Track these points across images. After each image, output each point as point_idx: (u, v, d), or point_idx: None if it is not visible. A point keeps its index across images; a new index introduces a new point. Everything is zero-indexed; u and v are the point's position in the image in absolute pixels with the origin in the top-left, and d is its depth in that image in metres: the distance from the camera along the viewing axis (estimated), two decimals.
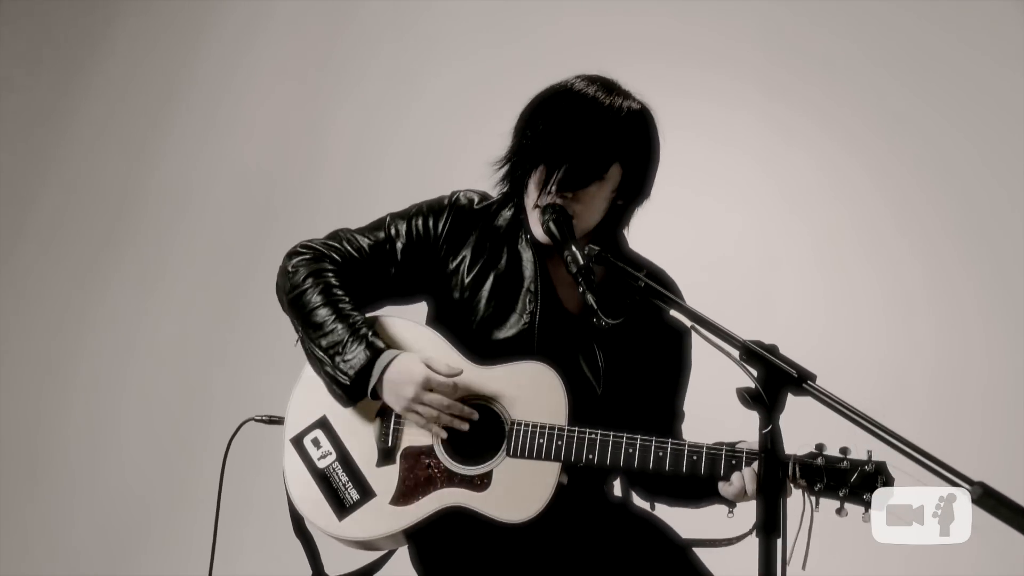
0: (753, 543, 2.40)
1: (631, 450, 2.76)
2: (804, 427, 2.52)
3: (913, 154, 4.89)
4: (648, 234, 3.03)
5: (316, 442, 2.90)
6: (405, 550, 2.96)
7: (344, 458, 2.87)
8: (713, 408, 3.23)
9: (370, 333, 2.82)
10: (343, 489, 2.86)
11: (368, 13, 5.34)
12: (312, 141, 5.29)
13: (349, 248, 2.95)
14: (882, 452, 2.39)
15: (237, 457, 3.14)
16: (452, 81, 5.22)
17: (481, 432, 2.84)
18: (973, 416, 4.67)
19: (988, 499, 1.97)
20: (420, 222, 2.96)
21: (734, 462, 2.74)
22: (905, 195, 4.89)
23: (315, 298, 2.86)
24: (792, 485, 2.65)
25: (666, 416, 3.01)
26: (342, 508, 2.85)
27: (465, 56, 5.22)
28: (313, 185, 5.25)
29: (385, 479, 2.85)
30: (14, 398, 5.23)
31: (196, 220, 5.29)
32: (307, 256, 2.93)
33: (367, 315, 2.92)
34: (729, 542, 2.83)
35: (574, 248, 2.73)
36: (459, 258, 2.95)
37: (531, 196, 2.86)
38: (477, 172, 3.05)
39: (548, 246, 2.86)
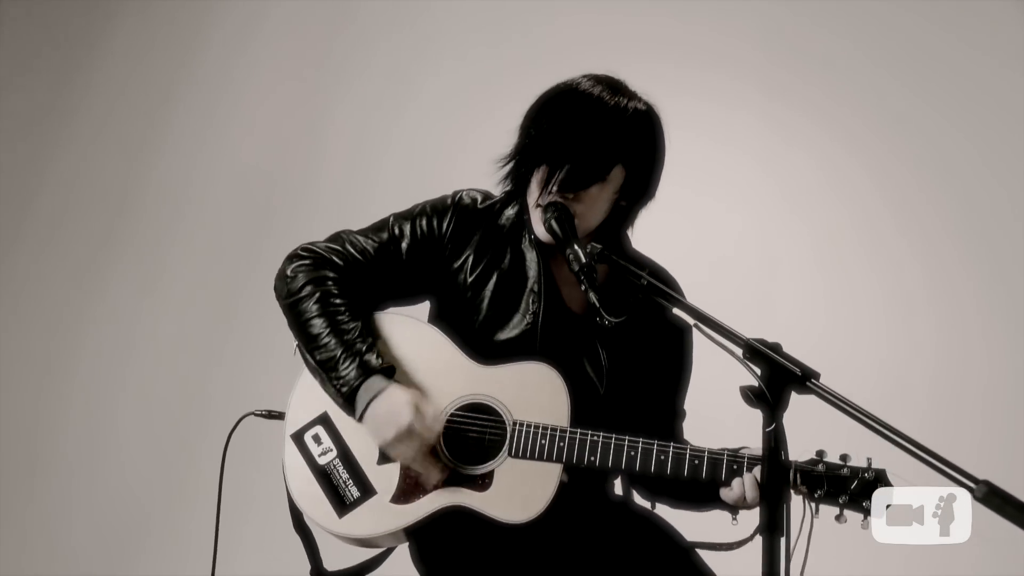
0: (756, 544, 2.40)
1: (632, 453, 2.76)
2: (803, 428, 2.52)
3: (913, 154, 4.89)
4: (648, 234, 3.02)
5: (317, 438, 2.89)
6: (405, 547, 2.95)
7: (345, 455, 2.86)
8: (715, 407, 3.23)
9: (364, 349, 2.80)
10: (343, 486, 2.85)
11: (367, 12, 5.34)
12: (311, 140, 5.29)
13: (352, 250, 2.93)
14: (886, 451, 2.38)
15: (236, 452, 3.13)
16: (451, 80, 5.22)
17: (483, 432, 2.83)
18: (973, 416, 4.67)
19: (993, 498, 1.97)
20: (424, 222, 2.94)
21: (735, 467, 2.74)
22: (905, 195, 4.89)
23: (312, 308, 2.85)
24: (792, 491, 2.65)
25: (667, 415, 3.01)
26: (342, 505, 2.84)
27: (464, 55, 5.23)
28: (312, 184, 5.25)
29: (386, 477, 2.84)
30: (13, 397, 5.23)
31: (195, 219, 5.30)
32: (307, 262, 2.91)
33: (373, 311, 2.92)
34: (730, 546, 2.82)
35: (576, 246, 2.73)
36: (462, 258, 2.93)
37: (533, 195, 2.85)
38: (476, 171, 3.04)
39: (552, 245, 2.85)
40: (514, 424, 2.80)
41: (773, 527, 2.30)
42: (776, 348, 2.35)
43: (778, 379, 2.31)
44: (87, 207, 5.33)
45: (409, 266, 2.93)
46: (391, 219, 2.97)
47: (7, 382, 5.24)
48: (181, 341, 5.19)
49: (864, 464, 2.66)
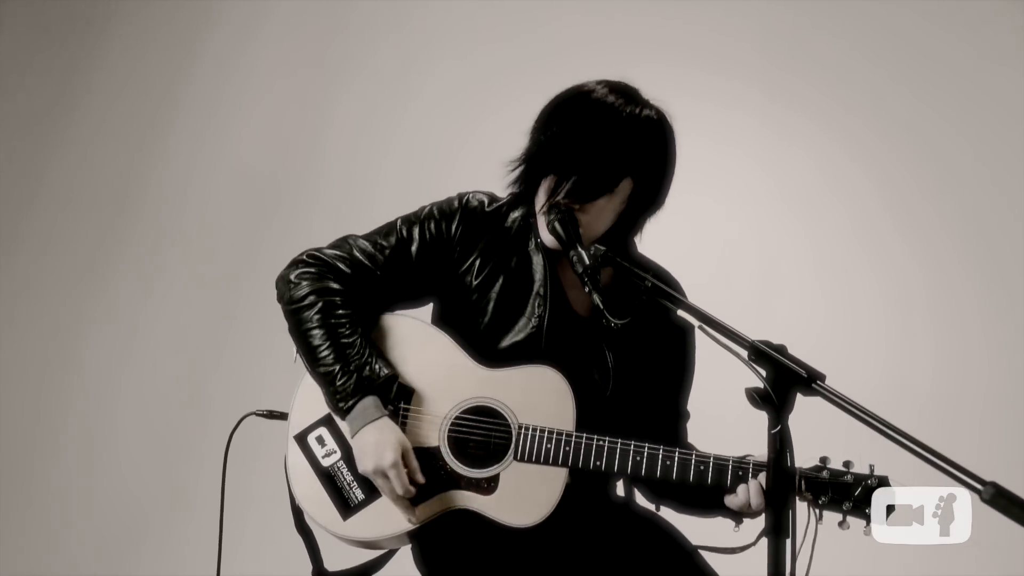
0: (760, 547, 2.41)
1: (639, 458, 2.76)
2: (800, 431, 2.51)
3: (913, 154, 4.89)
4: (647, 235, 3.01)
5: (321, 440, 2.89)
6: (406, 549, 2.95)
7: (349, 457, 2.85)
8: (718, 407, 3.24)
9: (362, 363, 2.80)
10: (347, 488, 2.85)
11: (367, 12, 5.33)
12: (311, 140, 5.29)
13: (360, 256, 2.90)
14: (886, 453, 2.39)
15: (236, 452, 3.13)
16: (451, 80, 5.22)
17: (488, 435, 2.83)
18: (973, 416, 4.67)
19: (1000, 499, 1.97)
20: (432, 225, 2.93)
21: (741, 473, 2.74)
22: (905, 196, 4.89)
23: (313, 318, 2.83)
24: (797, 497, 2.65)
25: (671, 416, 3.01)
26: (347, 508, 2.84)
27: (464, 55, 5.22)
28: (312, 184, 5.24)
29: None
30: (13, 396, 5.22)
31: (195, 219, 5.29)
32: (312, 269, 2.89)
33: (379, 315, 2.91)
34: (733, 551, 2.82)
35: (580, 248, 2.72)
36: (469, 261, 2.92)
37: (541, 200, 2.83)
38: (476, 170, 3.04)
39: (559, 250, 2.83)
40: (520, 428, 2.80)
41: (779, 529, 2.30)
42: (781, 350, 2.35)
43: (783, 381, 2.31)
44: (87, 207, 5.32)
45: (418, 269, 2.92)
46: (398, 222, 2.96)
47: (7, 382, 5.24)
48: (181, 341, 5.19)
49: (867, 471, 2.68)
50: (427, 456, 2.83)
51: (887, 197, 4.89)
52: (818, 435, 2.68)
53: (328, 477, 2.86)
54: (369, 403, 2.79)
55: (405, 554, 2.97)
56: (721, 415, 3.45)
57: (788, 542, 2.32)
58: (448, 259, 2.92)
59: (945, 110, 4.86)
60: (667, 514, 3.00)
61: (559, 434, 2.79)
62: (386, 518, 2.82)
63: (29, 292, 5.31)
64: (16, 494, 5.15)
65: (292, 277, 2.88)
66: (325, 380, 2.81)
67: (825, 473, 2.69)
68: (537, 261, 2.92)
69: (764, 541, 2.38)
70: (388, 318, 2.93)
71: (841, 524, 2.67)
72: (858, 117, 4.93)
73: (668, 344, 2.97)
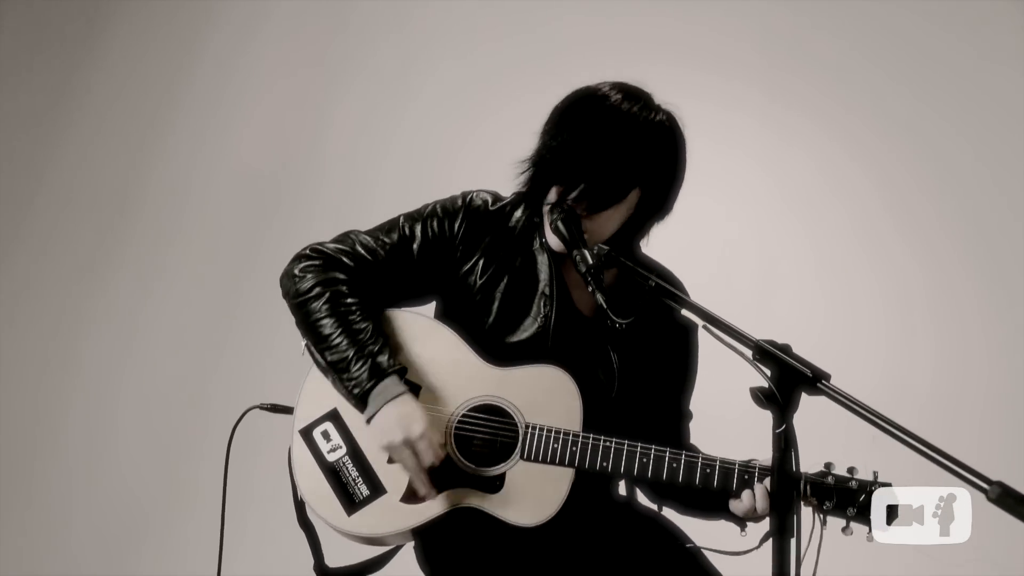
0: (764, 549, 2.41)
1: (645, 460, 2.76)
2: (801, 431, 2.52)
3: (913, 154, 4.89)
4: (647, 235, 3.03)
5: (326, 435, 2.87)
6: (409, 547, 2.95)
7: (355, 453, 2.84)
8: (719, 407, 3.24)
9: (376, 350, 2.79)
10: (353, 484, 2.84)
11: (367, 12, 5.33)
12: (311, 139, 5.29)
13: (362, 251, 2.90)
14: (886, 453, 2.39)
15: (238, 451, 3.12)
16: (451, 80, 5.22)
17: (495, 434, 2.83)
18: (973, 416, 4.68)
19: (1007, 498, 1.97)
20: (435, 223, 2.92)
21: (747, 477, 2.74)
22: (904, 196, 4.89)
23: (322, 308, 2.82)
24: (802, 502, 2.66)
25: (674, 415, 3.01)
26: (351, 504, 2.83)
27: (464, 55, 5.22)
28: (312, 183, 5.24)
29: (396, 476, 2.82)
30: (13, 396, 5.22)
31: (195, 218, 5.29)
32: (316, 262, 2.88)
33: (386, 309, 2.90)
34: (736, 554, 2.81)
35: (583, 248, 2.72)
36: (473, 260, 2.91)
37: (548, 202, 2.82)
38: (476, 170, 3.04)
39: (562, 252, 2.82)
40: (527, 427, 2.80)
41: (784, 530, 2.30)
42: (786, 349, 2.34)
43: (788, 380, 2.30)
44: (87, 207, 5.32)
45: (419, 267, 2.91)
46: (401, 219, 2.95)
47: (7, 381, 5.23)
48: (181, 340, 5.19)
49: (871, 478, 2.69)
50: None
51: (887, 197, 4.89)
52: (818, 435, 2.69)
53: (333, 472, 2.85)
54: (389, 383, 2.77)
55: (407, 553, 2.97)
56: (722, 415, 3.46)
57: (792, 543, 2.32)
58: (450, 257, 2.92)
59: (945, 110, 4.86)
60: (669, 514, 3.01)
61: (566, 434, 2.79)
62: (391, 514, 2.82)
63: (29, 292, 5.30)
64: (16, 494, 5.15)
65: (296, 271, 2.87)
66: (338, 367, 2.79)
67: (830, 479, 2.70)
68: (542, 261, 2.92)
69: (767, 545, 2.37)
70: (395, 314, 2.92)
71: (844, 530, 2.68)
72: (858, 117, 4.94)
73: (671, 344, 2.97)
